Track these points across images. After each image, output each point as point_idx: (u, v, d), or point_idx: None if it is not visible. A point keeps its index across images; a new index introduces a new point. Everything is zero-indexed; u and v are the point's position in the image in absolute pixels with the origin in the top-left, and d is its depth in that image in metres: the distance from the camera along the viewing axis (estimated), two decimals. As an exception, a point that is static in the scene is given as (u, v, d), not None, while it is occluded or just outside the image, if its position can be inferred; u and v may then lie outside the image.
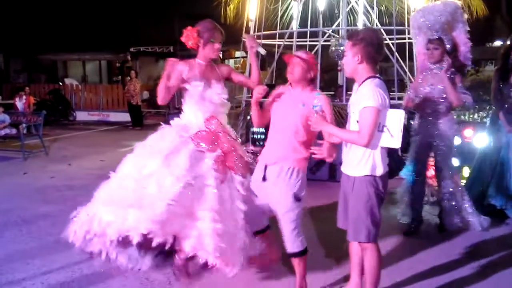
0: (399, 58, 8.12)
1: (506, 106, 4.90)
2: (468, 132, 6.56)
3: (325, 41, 9.46)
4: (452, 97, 4.30)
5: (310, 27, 9.50)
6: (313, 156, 3.18)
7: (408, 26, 6.63)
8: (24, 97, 12.92)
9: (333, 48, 8.18)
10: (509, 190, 4.89)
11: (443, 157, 4.52)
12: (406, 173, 4.55)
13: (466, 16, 4.75)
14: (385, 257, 3.25)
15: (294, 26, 9.05)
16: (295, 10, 9.16)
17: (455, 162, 6.49)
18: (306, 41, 9.55)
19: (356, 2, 9.37)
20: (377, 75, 2.92)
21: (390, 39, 8.02)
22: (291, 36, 8.46)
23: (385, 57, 7.55)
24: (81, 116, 16.10)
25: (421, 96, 4.44)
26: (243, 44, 8.68)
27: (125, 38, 19.83)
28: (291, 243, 3.22)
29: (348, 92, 6.28)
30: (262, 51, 3.83)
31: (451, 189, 4.55)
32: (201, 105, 3.53)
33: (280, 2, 9.57)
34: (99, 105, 17.38)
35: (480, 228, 4.54)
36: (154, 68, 21.34)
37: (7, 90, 17.70)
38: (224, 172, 3.35)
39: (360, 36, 2.89)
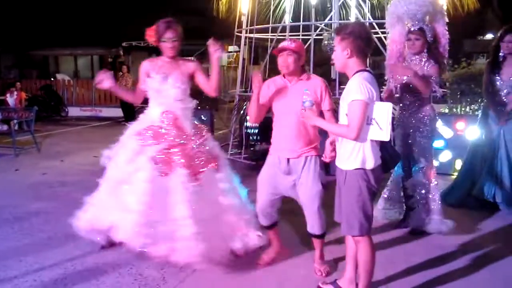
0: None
1: (497, 98, 4.92)
2: (460, 125, 6.60)
3: (317, 35, 9.46)
4: (417, 85, 4.13)
5: (303, 21, 9.47)
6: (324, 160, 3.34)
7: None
8: (15, 93, 12.80)
9: (326, 42, 8.17)
10: (500, 183, 4.92)
11: (420, 148, 4.34)
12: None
13: (445, 7, 4.63)
14: (379, 250, 3.26)
15: (287, 20, 9.02)
16: (288, 4, 9.12)
17: (447, 156, 6.59)
18: (298, 35, 9.52)
19: (348, -4, 9.36)
20: (367, 69, 2.91)
21: (382, 32, 8.01)
22: (283, 30, 8.44)
23: (377, 50, 7.58)
24: (73, 111, 16.00)
25: (399, 86, 4.36)
26: (236, 38, 8.68)
27: (117, 32, 19.72)
28: (319, 226, 3.43)
29: (341, 86, 6.28)
30: (224, 60, 3.99)
31: (422, 184, 4.36)
32: (158, 98, 3.74)
33: (272, -4, 9.54)
34: (91, 101, 17.22)
35: (437, 231, 4.33)
36: (147, 63, 21.18)
37: (-3, 86, 17.56)
38: (168, 165, 3.50)
39: (348, 30, 2.87)
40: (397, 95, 4.47)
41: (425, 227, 4.37)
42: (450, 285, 3.43)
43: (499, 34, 4.98)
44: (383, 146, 2.96)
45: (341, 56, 2.90)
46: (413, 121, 4.34)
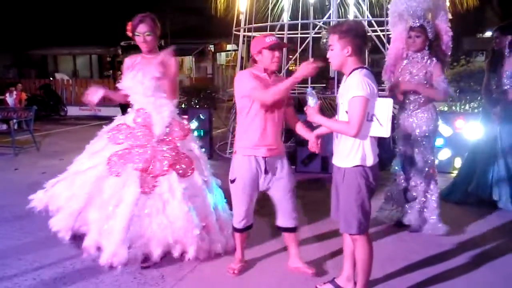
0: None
1: (494, 96, 4.93)
2: (459, 122, 6.60)
3: (316, 33, 9.45)
4: (431, 96, 4.17)
5: (301, 19, 9.47)
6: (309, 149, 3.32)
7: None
8: (14, 92, 12.80)
9: (324, 40, 8.12)
10: (497, 180, 4.93)
11: (421, 148, 4.30)
12: (395, 166, 4.47)
13: (448, 4, 4.60)
14: (378, 248, 3.25)
15: (285, 18, 9.02)
16: (286, 2, 9.12)
17: (446, 154, 6.59)
18: (297, 34, 9.52)
19: (347, -6, 9.36)
20: (365, 66, 2.91)
21: (381, 30, 8.00)
22: (282, 28, 8.43)
23: (375, 48, 7.57)
24: (72, 111, 15.94)
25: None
26: (234, 36, 8.67)
27: (115, 32, 19.63)
28: (293, 219, 3.50)
29: (339, 84, 6.26)
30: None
31: (422, 185, 4.35)
32: (131, 95, 3.73)
33: (270, -5, 9.53)
34: (91, 100, 17.21)
35: (434, 233, 4.29)
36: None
37: (-4, 85, 17.55)
38: (122, 166, 3.53)
39: (345, 28, 2.85)
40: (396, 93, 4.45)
41: (423, 227, 4.37)
42: (449, 283, 3.43)
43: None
44: (379, 144, 2.96)
45: (340, 55, 2.87)
46: (414, 121, 4.29)
